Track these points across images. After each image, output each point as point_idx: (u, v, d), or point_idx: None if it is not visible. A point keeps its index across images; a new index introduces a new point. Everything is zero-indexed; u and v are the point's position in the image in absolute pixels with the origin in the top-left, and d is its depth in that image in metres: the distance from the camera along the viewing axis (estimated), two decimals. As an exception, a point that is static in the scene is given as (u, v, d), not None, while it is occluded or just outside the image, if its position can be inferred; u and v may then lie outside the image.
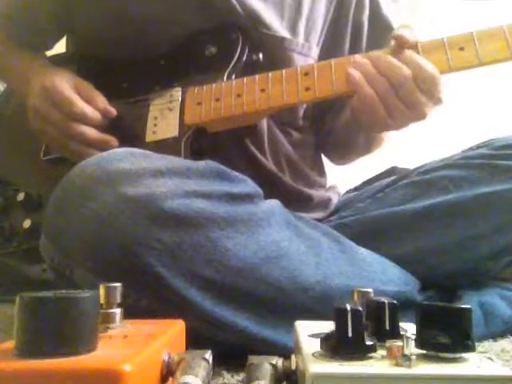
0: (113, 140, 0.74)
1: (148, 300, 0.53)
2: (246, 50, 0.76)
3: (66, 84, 0.75)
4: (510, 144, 0.73)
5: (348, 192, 0.96)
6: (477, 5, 1.77)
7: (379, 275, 0.65)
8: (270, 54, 0.78)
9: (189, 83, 0.77)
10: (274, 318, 0.56)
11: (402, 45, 0.68)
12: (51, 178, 0.77)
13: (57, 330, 0.31)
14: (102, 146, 0.72)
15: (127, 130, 0.77)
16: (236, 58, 0.76)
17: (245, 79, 0.73)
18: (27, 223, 0.74)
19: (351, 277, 0.61)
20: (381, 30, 0.88)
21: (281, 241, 0.58)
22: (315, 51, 0.83)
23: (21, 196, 0.77)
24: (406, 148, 0.76)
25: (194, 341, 0.45)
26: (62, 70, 0.79)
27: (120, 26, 0.79)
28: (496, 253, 0.71)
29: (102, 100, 0.76)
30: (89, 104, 0.74)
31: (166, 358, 0.37)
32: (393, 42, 0.69)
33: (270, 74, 0.72)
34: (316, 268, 0.59)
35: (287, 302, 0.56)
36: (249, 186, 0.61)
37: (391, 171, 0.91)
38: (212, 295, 0.53)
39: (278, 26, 0.78)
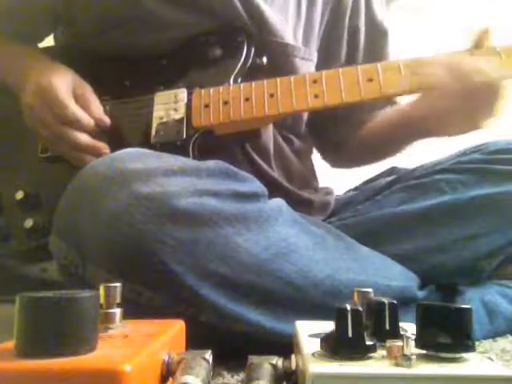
0: (105, 147, 0.72)
1: (162, 298, 0.53)
2: (252, 54, 0.75)
3: (62, 85, 0.72)
4: (500, 149, 0.76)
5: (348, 191, 0.96)
6: (478, 3, 1.76)
7: (383, 271, 0.66)
8: (273, 59, 0.77)
9: (192, 84, 0.75)
10: (287, 313, 0.56)
11: (483, 40, 0.68)
12: (50, 176, 0.76)
13: (57, 330, 0.31)
14: (94, 153, 0.71)
15: (130, 130, 0.75)
16: (242, 62, 0.75)
17: (253, 84, 0.72)
18: (28, 223, 0.73)
19: (358, 272, 0.62)
20: (377, 37, 0.90)
21: (289, 237, 0.59)
22: (315, 56, 0.84)
23: (19, 195, 0.75)
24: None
25: (207, 334, 0.45)
26: (63, 68, 0.76)
27: (120, 25, 0.77)
28: (492, 252, 0.73)
29: (97, 107, 0.74)
30: (84, 109, 0.72)
31: (166, 358, 0.37)
32: (474, 38, 0.69)
33: (279, 80, 0.71)
34: (325, 264, 0.60)
35: (299, 297, 0.57)
36: (256, 185, 0.62)
37: (391, 171, 0.91)
38: (226, 291, 0.54)
39: (283, 31, 0.78)
